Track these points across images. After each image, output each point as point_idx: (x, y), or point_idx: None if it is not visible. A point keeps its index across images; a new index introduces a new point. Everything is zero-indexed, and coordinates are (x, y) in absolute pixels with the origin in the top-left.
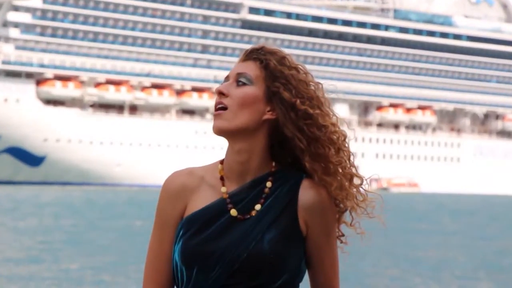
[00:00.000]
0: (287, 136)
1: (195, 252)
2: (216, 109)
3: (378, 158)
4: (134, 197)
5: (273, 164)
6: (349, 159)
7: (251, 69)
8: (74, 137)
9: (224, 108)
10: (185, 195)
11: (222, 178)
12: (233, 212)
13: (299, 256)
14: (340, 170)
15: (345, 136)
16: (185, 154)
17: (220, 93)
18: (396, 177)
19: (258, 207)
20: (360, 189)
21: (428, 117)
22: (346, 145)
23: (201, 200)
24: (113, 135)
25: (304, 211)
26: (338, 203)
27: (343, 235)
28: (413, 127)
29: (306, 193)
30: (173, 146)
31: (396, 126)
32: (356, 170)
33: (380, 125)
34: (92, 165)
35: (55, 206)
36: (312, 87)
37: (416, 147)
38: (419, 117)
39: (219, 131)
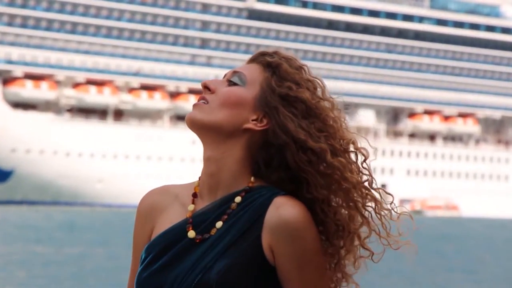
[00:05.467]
0: (278, 149)
1: (145, 285)
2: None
3: (410, 175)
4: (119, 220)
5: (252, 179)
6: (371, 183)
7: (251, 71)
8: (47, 147)
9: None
10: (153, 216)
11: (195, 195)
12: (191, 233)
13: None
14: (358, 192)
15: (366, 157)
16: (180, 168)
17: (206, 88)
18: (432, 198)
19: (219, 224)
20: (387, 214)
21: (470, 127)
22: (367, 166)
23: (168, 221)
24: (94, 146)
25: (268, 233)
26: (340, 236)
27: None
28: (452, 138)
29: (274, 211)
30: (165, 159)
31: (432, 137)
32: (381, 195)
33: (412, 135)
34: (68, 181)
35: (23, 230)
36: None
37: (456, 163)
38: (460, 126)
39: (191, 122)
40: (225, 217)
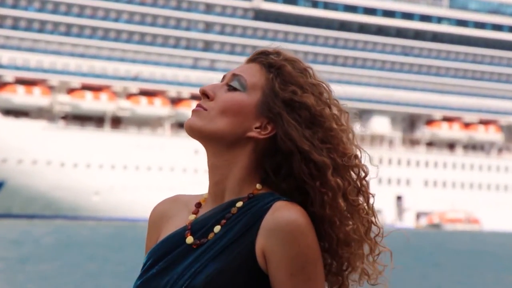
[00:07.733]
0: (285, 157)
1: None
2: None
3: (428, 187)
4: (117, 234)
5: (257, 186)
6: (368, 203)
7: (251, 73)
8: (40, 157)
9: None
10: (161, 224)
11: (198, 205)
12: (189, 239)
13: None
14: (357, 213)
15: (366, 174)
16: (182, 179)
17: (204, 95)
18: (451, 211)
19: (217, 228)
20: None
21: (492, 135)
22: (367, 184)
23: (173, 228)
24: (90, 156)
25: (261, 237)
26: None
27: None
28: (473, 147)
29: (272, 214)
30: (166, 169)
31: (451, 145)
32: (376, 219)
33: (430, 144)
34: (63, 193)
35: (14, 246)
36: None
37: (477, 173)
38: (481, 134)
39: (190, 129)
40: (224, 221)
